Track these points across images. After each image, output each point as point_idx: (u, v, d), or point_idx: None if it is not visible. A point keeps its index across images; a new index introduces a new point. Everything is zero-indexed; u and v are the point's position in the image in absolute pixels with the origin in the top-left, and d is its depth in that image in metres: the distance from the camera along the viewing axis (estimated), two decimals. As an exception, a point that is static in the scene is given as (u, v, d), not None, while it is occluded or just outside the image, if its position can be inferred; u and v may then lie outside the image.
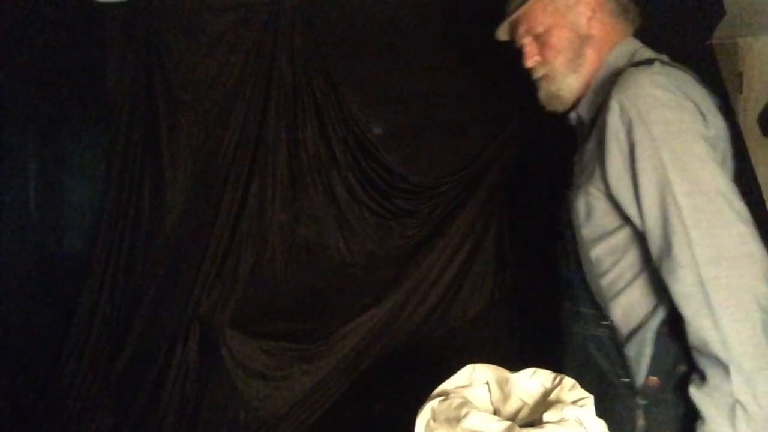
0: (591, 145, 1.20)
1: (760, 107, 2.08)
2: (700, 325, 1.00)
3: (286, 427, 2.01)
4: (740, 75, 2.12)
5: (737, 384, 0.97)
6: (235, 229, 2.15)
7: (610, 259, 1.18)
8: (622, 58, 1.26)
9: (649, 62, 1.19)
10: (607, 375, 1.17)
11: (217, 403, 2.04)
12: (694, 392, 1.03)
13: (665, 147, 1.06)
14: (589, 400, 0.91)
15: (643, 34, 1.90)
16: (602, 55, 1.27)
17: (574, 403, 0.90)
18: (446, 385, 1.02)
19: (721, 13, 1.84)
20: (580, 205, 1.20)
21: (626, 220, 1.14)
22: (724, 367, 0.97)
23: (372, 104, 2.17)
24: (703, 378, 1.02)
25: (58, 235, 2.32)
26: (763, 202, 1.87)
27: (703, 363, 1.01)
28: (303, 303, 2.17)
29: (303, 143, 2.18)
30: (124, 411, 2.11)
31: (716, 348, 0.98)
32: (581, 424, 0.87)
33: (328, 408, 2.02)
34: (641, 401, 1.12)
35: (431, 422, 0.94)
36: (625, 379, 1.14)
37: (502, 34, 1.38)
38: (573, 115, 1.33)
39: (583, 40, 1.27)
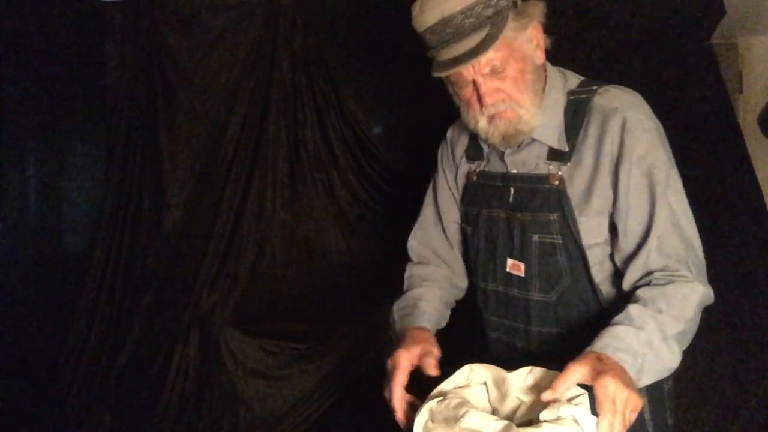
0: (587, 166, 1.22)
1: (760, 107, 2.08)
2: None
3: (285, 427, 2.01)
4: (740, 75, 2.12)
5: None
6: (235, 228, 2.15)
7: (608, 265, 1.25)
8: (559, 80, 1.29)
9: (597, 82, 1.27)
10: None
11: (217, 402, 2.04)
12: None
13: (673, 168, 1.20)
14: (584, 397, 0.92)
15: (643, 33, 1.91)
16: (543, 81, 1.27)
17: (569, 401, 0.91)
18: (444, 386, 1.02)
19: (721, 13, 1.84)
20: (593, 226, 1.23)
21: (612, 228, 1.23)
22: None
23: (372, 104, 2.17)
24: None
25: (58, 235, 2.32)
26: (763, 202, 1.87)
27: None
28: (303, 303, 2.17)
29: (303, 143, 2.18)
30: (124, 410, 2.11)
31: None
32: (577, 422, 0.88)
33: (328, 407, 2.02)
34: None
35: (429, 423, 0.94)
36: None
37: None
38: (524, 139, 1.28)
39: (538, 72, 1.25)
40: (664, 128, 1.26)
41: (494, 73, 1.19)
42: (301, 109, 2.17)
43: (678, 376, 1.78)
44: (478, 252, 1.38)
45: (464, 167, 1.43)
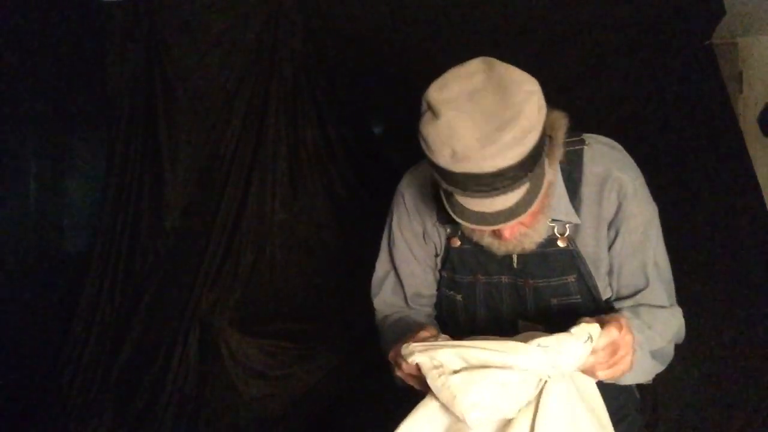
0: (590, 229, 1.20)
1: (760, 107, 2.08)
2: None
3: (285, 427, 2.01)
4: (740, 75, 2.12)
5: None
6: (235, 228, 2.15)
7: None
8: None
9: (576, 133, 1.19)
10: None
11: (217, 403, 2.04)
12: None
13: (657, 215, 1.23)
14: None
15: (644, 33, 1.91)
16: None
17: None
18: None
19: (721, 13, 1.84)
20: (606, 285, 1.24)
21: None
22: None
23: (372, 104, 2.17)
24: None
25: (58, 234, 2.32)
26: (763, 202, 1.87)
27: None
28: (303, 303, 2.17)
29: (303, 143, 2.18)
30: (124, 410, 2.11)
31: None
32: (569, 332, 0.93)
33: (328, 407, 2.02)
34: None
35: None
36: None
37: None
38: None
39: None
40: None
41: None
42: (301, 109, 2.17)
43: (678, 375, 1.79)
44: (474, 318, 1.31)
45: (442, 233, 1.32)
